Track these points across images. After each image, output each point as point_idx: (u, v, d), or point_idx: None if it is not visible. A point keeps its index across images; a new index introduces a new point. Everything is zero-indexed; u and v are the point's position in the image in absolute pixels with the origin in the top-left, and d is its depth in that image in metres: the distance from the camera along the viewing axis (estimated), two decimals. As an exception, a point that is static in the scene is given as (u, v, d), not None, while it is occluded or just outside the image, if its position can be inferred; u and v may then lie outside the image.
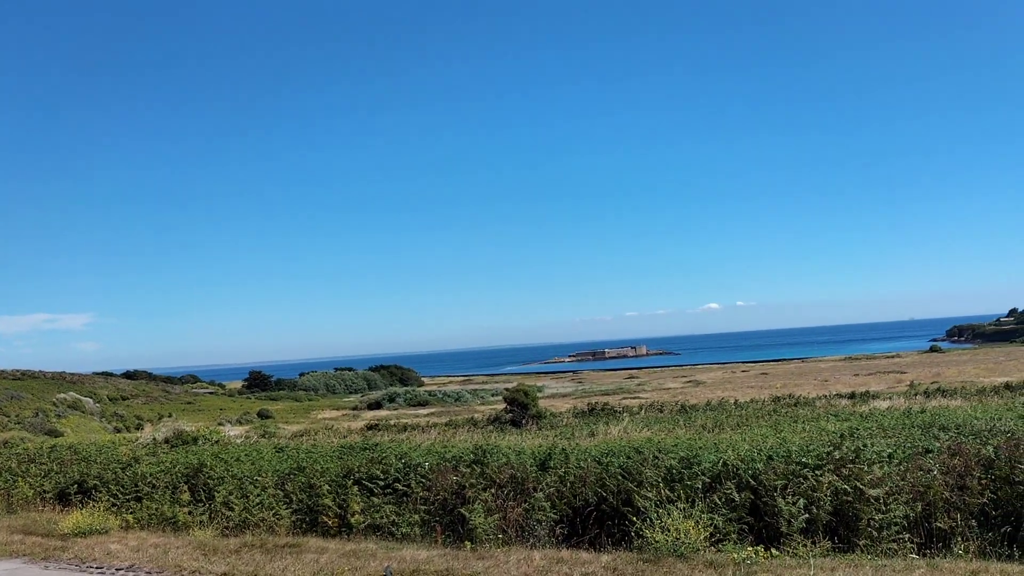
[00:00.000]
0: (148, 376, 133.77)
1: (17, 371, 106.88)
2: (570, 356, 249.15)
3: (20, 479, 15.07)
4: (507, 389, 61.99)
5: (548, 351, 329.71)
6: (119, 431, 68.54)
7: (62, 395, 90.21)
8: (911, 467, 8.55)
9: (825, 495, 8.08)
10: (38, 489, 14.55)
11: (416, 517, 10.35)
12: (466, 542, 9.36)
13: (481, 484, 10.35)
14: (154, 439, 24.51)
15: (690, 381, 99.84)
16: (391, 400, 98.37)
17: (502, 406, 53.18)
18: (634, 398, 70.94)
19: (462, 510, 9.95)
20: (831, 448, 8.87)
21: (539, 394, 64.27)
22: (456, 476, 10.68)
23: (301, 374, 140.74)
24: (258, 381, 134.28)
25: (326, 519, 10.95)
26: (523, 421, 43.87)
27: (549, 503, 9.78)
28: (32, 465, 16.01)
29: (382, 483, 11.18)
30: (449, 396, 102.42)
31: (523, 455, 11.63)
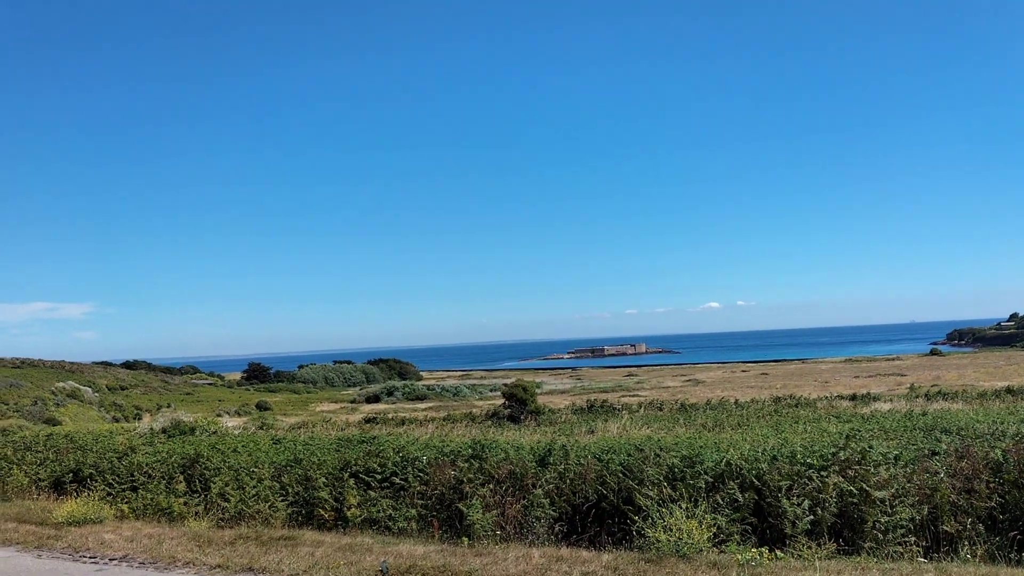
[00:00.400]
0: (147, 366, 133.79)
1: (16, 359, 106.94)
2: (569, 353, 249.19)
3: (15, 467, 14.96)
4: (505, 385, 61.96)
5: (547, 347, 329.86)
6: (117, 421, 68.47)
7: (61, 384, 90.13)
8: (918, 469, 8.42)
9: (830, 496, 7.94)
10: (33, 477, 14.44)
11: (413, 512, 10.23)
12: (463, 538, 9.24)
13: (479, 479, 10.23)
14: (151, 429, 24.35)
15: (689, 380, 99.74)
16: (389, 394, 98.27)
17: (500, 401, 53.13)
18: (633, 396, 70.86)
19: (460, 505, 9.83)
20: (836, 449, 8.73)
21: (538, 390, 64.16)
22: (454, 471, 10.56)
23: (300, 366, 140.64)
24: (257, 373, 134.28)
25: (322, 512, 10.83)
26: (521, 417, 43.76)
27: (548, 500, 9.65)
28: (28, 453, 15.89)
29: (379, 477, 11.06)
30: (447, 391, 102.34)
31: (522, 451, 11.51)
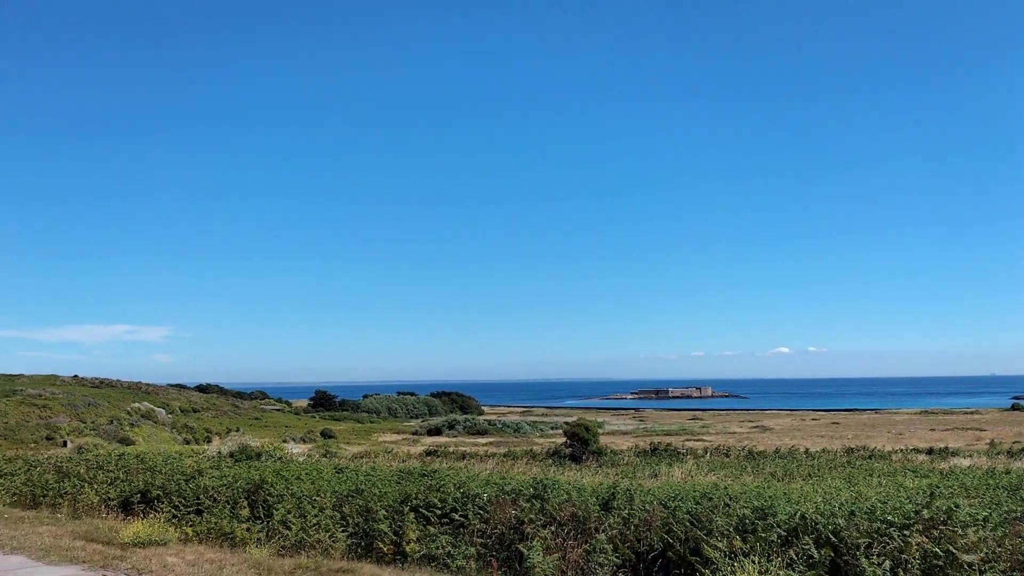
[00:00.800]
0: (219, 390, 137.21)
1: (96, 379, 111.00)
2: (632, 393, 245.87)
3: (87, 485, 15.33)
4: (567, 423, 61.35)
5: (610, 387, 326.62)
6: (188, 443, 70.15)
7: (136, 404, 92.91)
8: (1009, 533, 7.89)
9: (914, 558, 7.49)
10: (103, 496, 14.76)
11: (472, 550, 10.05)
12: (524, 580, 9.02)
13: (541, 520, 10.01)
14: (219, 452, 24.83)
15: (757, 426, 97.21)
16: (451, 427, 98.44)
17: (562, 440, 52.58)
18: (698, 440, 69.36)
19: (520, 546, 9.62)
20: (919, 507, 8.25)
21: (600, 430, 63.33)
22: (515, 510, 10.37)
23: (364, 396, 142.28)
24: (323, 401, 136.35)
25: (381, 545, 10.74)
26: (583, 457, 43.15)
27: (611, 546, 9.37)
28: (100, 472, 16.29)
29: (439, 512, 10.93)
30: (508, 426, 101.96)
31: (584, 493, 11.25)
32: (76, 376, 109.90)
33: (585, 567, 9.17)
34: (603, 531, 9.56)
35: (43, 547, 11.53)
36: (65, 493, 15.27)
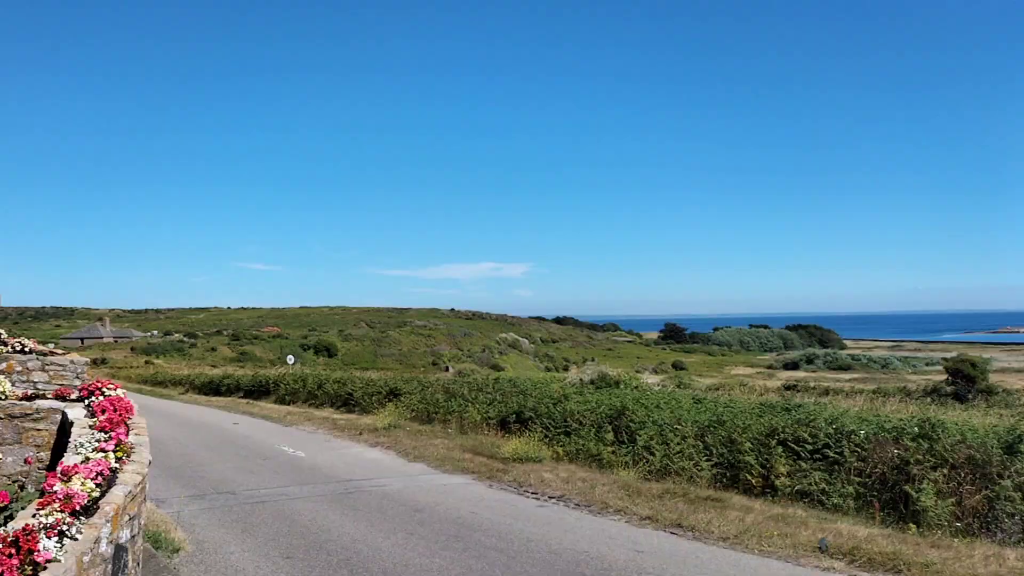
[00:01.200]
0: (574, 322, 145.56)
1: (469, 311, 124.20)
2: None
3: (470, 405, 17.07)
4: (945, 359, 55.31)
5: (996, 319, 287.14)
6: (548, 370, 75.61)
7: (503, 335, 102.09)
8: None
9: None
10: (484, 415, 16.31)
11: (850, 489, 9.40)
12: (910, 524, 8.24)
13: (930, 462, 9.03)
14: (580, 380, 26.14)
15: None
16: (809, 361, 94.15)
17: (940, 377, 47.65)
18: (1119, 381, 58.37)
19: (907, 488, 8.77)
20: None
21: (988, 367, 56.09)
22: (897, 449, 9.46)
23: (715, 328, 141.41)
24: (673, 333, 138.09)
25: (749, 477, 10.48)
26: (968, 395, 38.57)
27: (1020, 494, 8.16)
28: (480, 393, 18.02)
29: (809, 447, 10.36)
30: (875, 362, 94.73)
31: (979, 434, 9.90)
32: (452, 309, 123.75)
33: (987, 515, 8.09)
34: (1009, 477, 8.34)
35: (439, 457, 13.09)
36: (453, 411, 17.16)
